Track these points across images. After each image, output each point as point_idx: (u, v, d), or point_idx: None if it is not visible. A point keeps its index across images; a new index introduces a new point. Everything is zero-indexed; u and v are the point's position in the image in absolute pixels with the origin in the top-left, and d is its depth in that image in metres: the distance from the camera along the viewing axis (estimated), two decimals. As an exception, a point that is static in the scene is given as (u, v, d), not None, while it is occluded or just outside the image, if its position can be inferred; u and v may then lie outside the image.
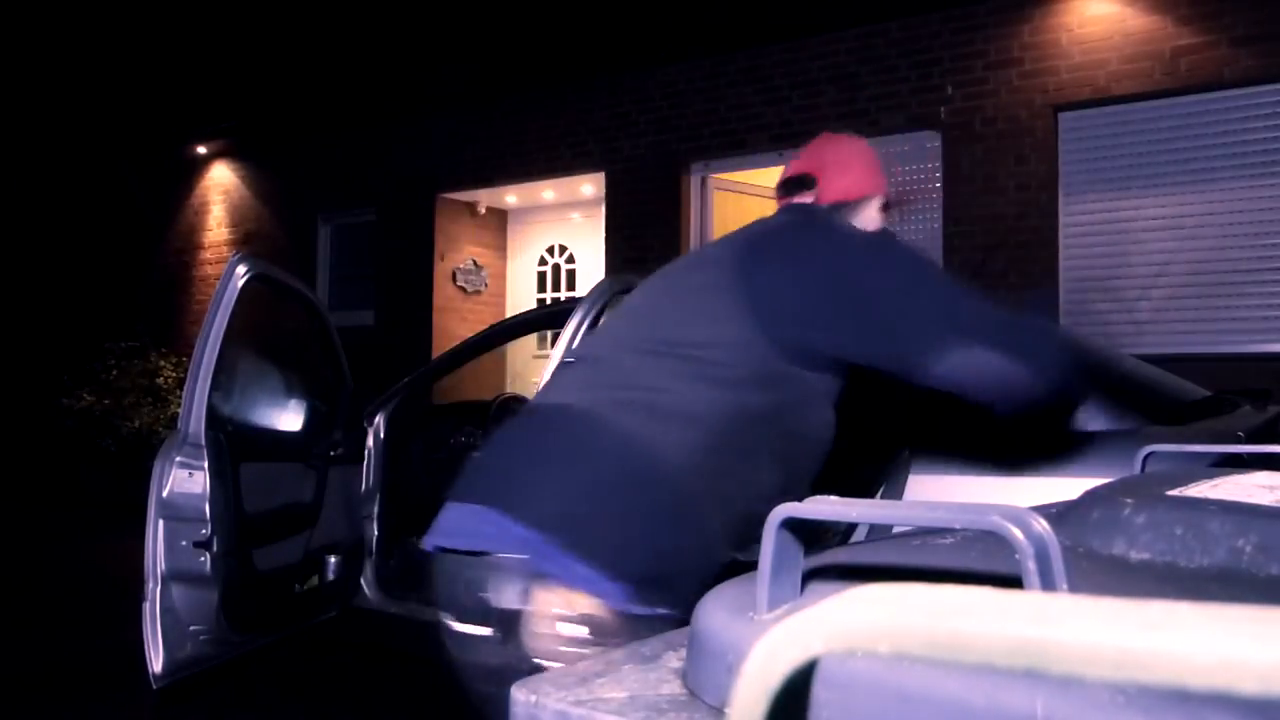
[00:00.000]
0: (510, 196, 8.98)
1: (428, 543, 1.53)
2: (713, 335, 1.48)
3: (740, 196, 7.87)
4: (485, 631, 1.42)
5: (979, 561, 0.96)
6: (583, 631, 1.36)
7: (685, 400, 1.44)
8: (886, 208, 1.80)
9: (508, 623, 1.40)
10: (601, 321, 1.87)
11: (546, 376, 3.06)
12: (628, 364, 1.50)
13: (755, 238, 1.61)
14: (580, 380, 1.55)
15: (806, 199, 1.76)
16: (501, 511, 1.40)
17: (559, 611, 1.37)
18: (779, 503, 0.80)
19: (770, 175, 7.83)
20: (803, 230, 1.63)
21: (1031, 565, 0.71)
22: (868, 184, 1.77)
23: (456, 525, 1.48)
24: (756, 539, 0.83)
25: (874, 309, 1.46)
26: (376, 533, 4.04)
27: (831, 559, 1.04)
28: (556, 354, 3.10)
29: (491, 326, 4.60)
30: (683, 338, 1.49)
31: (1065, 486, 2.01)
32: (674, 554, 1.40)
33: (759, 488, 1.46)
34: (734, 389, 1.45)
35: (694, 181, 7.64)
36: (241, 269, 3.42)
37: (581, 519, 1.38)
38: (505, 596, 1.40)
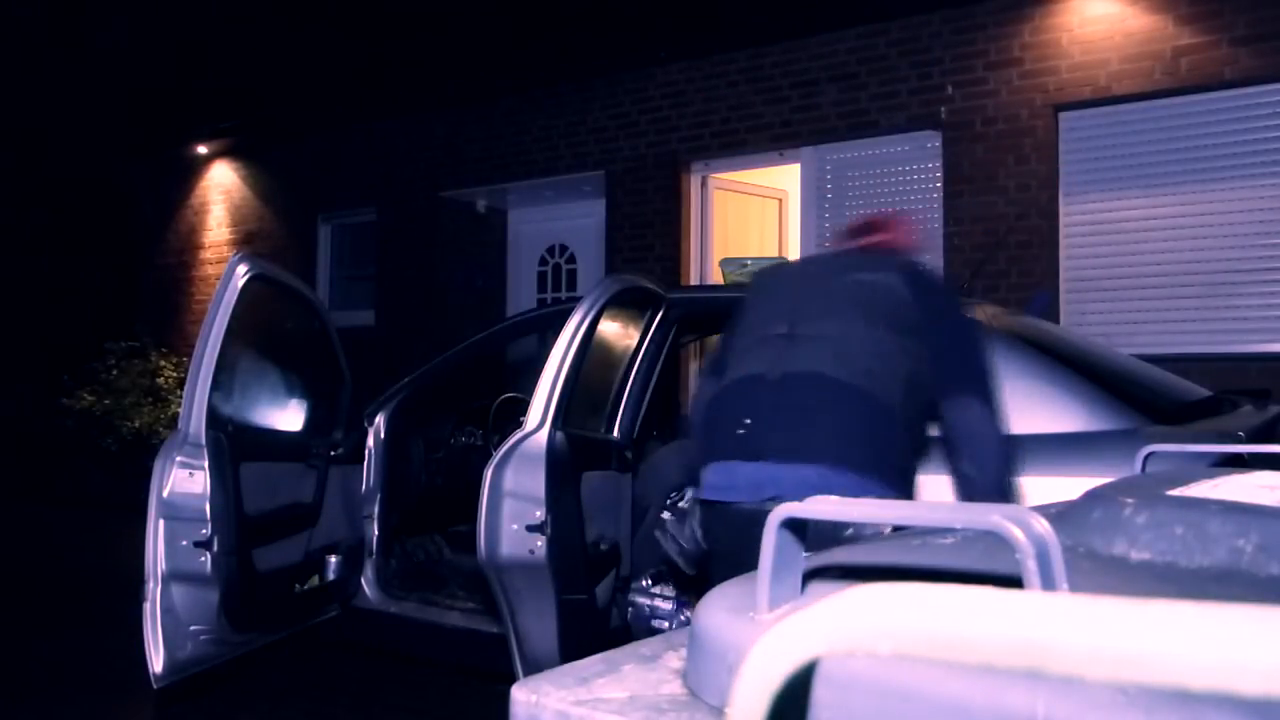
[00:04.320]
0: (510, 196, 8.97)
1: (720, 495, 2.25)
2: (903, 339, 2.30)
3: (740, 196, 7.86)
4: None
5: (979, 561, 0.96)
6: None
7: (892, 368, 2.25)
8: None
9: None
10: (789, 304, 2.49)
11: (546, 376, 3.06)
12: (855, 348, 2.26)
13: (913, 275, 2.41)
14: (820, 357, 2.26)
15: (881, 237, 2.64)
16: (798, 463, 2.14)
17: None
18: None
19: (770, 175, 7.89)
20: (934, 283, 2.48)
21: (1032, 565, 0.71)
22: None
23: (750, 479, 2.19)
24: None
25: (949, 353, 2.30)
26: (376, 533, 4.04)
27: (831, 559, 1.04)
28: (556, 354, 3.09)
29: (492, 326, 4.59)
30: (884, 337, 2.28)
31: (1065, 486, 2.01)
32: (903, 464, 2.25)
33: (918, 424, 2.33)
34: (916, 362, 2.27)
35: (694, 181, 7.63)
36: (242, 269, 3.42)
37: (853, 453, 2.15)
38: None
